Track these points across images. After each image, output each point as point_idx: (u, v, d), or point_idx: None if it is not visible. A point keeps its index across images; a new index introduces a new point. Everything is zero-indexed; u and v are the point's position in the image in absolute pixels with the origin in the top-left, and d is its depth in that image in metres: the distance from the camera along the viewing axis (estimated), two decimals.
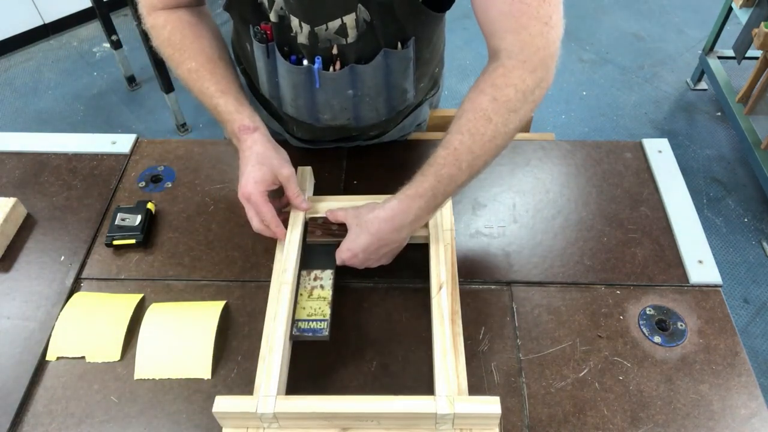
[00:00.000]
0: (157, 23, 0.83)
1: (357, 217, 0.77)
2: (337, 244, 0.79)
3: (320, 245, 0.82)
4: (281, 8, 0.77)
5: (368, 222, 0.75)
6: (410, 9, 0.77)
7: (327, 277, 0.79)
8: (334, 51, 0.80)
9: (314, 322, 0.75)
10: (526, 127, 1.21)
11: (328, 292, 0.77)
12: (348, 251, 0.76)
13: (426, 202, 0.73)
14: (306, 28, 0.77)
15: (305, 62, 0.82)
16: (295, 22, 0.77)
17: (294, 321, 0.75)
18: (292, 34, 0.79)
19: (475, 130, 0.70)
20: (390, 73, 0.85)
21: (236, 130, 0.79)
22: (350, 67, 0.82)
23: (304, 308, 0.76)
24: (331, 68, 0.82)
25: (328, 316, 0.75)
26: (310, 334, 0.74)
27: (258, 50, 0.84)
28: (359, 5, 0.75)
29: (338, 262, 0.78)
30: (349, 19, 0.76)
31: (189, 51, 0.82)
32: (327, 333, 0.73)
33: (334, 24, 0.76)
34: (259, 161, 0.77)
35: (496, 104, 0.70)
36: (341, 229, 0.80)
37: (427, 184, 0.72)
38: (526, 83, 0.70)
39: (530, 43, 0.69)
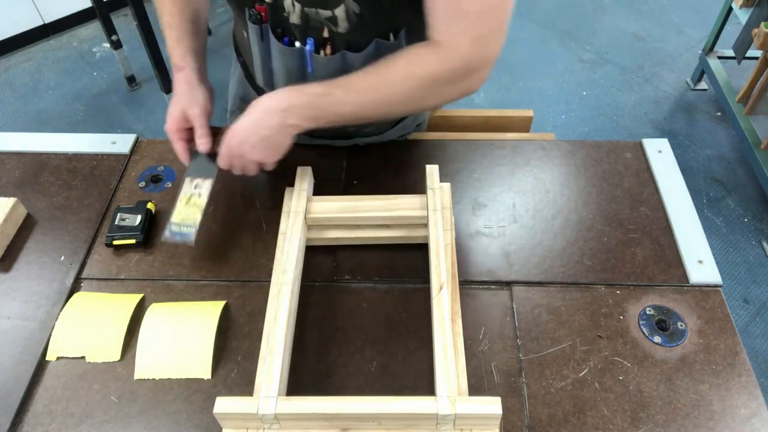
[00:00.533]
0: None
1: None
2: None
3: (208, 155, 0.89)
4: None
5: (250, 107, 0.79)
6: (400, 0, 0.78)
7: (206, 186, 0.87)
8: (325, 34, 0.81)
9: (185, 227, 0.84)
10: (526, 127, 1.21)
11: (203, 201, 0.86)
12: (229, 131, 0.80)
13: (305, 102, 0.77)
14: (298, 7, 0.78)
15: (297, 44, 0.83)
16: (288, 1, 0.79)
17: (169, 222, 0.84)
18: (284, 14, 0.80)
19: (378, 82, 0.77)
20: None
21: (174, 68, 0.87)
22: (342, 54, 0.82)
23: (179, 213, 0.85)
24: (323, 52, 0.83)
25: (197, 224, 0.84)
26: (179, 238, 0.83)
27: (253, 32, 0.85)
28: None
29: (222, 147, 0.81)
30: (340, 11, 0.77)
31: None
32: (193, 239, 0.83)
33: (325, 13, 0.78)
34: (175, 100, 0.86)
35: (402, 73, 0.76)
36: None
37: (315, 90, 0.77)
38: (438, 75, 0.75)
39: (456, 48, 0.74)
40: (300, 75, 0.86)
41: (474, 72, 0.76)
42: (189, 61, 0.88)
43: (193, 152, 0.90)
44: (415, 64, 0.76)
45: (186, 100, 0.85)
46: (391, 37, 0.82)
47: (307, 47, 0.82)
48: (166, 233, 0.83)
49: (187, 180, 0.89)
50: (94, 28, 2.97)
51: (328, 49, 0.82)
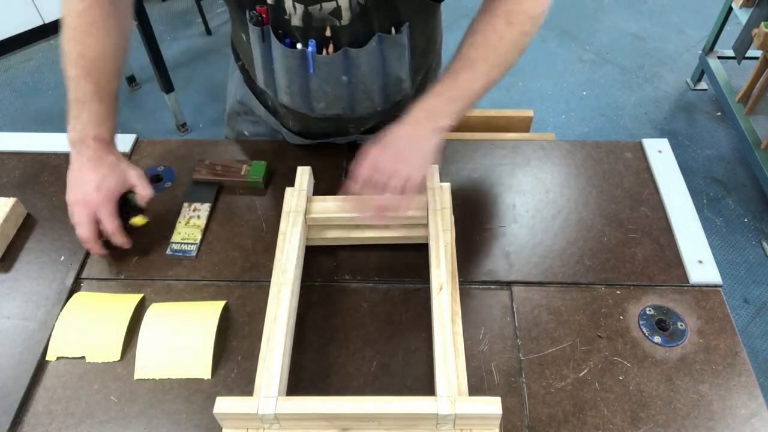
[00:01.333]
0: None
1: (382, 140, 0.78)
2: (219, 183, 0.95)
3: (204, 182, 0.96)
4: None
5: (389, 133, 0.77)
6: None
7: (204, 209, 0.93)
8: (327, 33, 0.81)
9: (186, 245, 0.88)
10: (526, 127, 1.21)
11: (202, 222, 0.91)
12: (371, 150, 0.76)
13: (442, 101, 0.77)
14: (300, 8, 0.78)
15: (299, 46, 0.83)
16: (288, 3, 0.78)
17: (169, 243, 0.88)
18: (286, 17, 0.80)
19: (490, 45, 0.78)
20: (385, 59, 0.86)
21: (92, 137, 0.81)
22: (344, 51, 0.82)
23: (179, 233, 0.90)
24: (324, 51, 0.83)
25: (197, 241, 0.89)
26: (180, 254, 0.87)
27: (254, 34, 0.84)
28: None
29: (362, 167, 0.75)
30: (344, 2, 0.77)
31: (86, 42, 0.81)
32: (194, 254, 0.87)
33: (329, 5, 0.77)
34: (112, 168, 0.82)
35: (510, 26, 0.77)
36: (224, 170, 0.94)
37: (443, 87, 0.77)
38: (535, 10, 0.78)
39: None
40: (301, 75, 0.86)
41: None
42: (105, 136, 0.83)
43: (194, 180, 0.96)
44: (512, 21, 0.77)
45: (123, 165, 0.84)
46: (393, 31, 0.82)
47: (309, 49, 0.82)
48: (168, 252, 0.88)
49: (185, 205, 0.94)
50: None
51: (330, 48, 0.82)
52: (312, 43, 0.82)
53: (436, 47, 1.00)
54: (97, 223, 0.82)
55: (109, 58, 0.83)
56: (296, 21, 0.80)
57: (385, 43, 0.83)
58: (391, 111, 0.97)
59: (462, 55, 0.78)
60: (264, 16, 0.81)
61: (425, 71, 1.00)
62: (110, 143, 0.84)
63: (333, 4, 0.77)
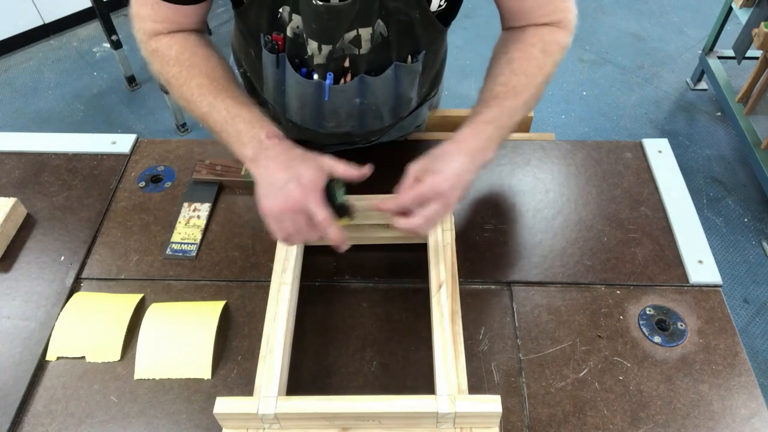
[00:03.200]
0: (161, 45, 0.77)
1: (430, 164, 0.71)
2: (219, 183, 0.95)
3: (204, 182, 0.96)
4: (298, 27, 0.77)
5: (443, 153, 0.71)
6: (427, 25, 0.78)
7: (204, 209, 0.93)
8: (346, 64, 0.80)
9: (186, 245, 0.88)
10: (526, 127, 1.21)
11: (202, 222, 0.91)
12: (436, 175, 0.69)
13: (493, 130, 0.74)
14: (326, 49, 0.78)
15: (315, 76, 0.82)
16: (313, 45, 0.78)
17: (169, 243, 0.88)
18: (306, 56, 0.80)
19: (530, 73, 0.77)
20: (399, 85, 0.86)
21: (263, 137, 0.71)
22: (360, 78, 0.82)
23: (179, 233, 0.90)
24: (342, 81, 0.82)
25: (197, 241, 0.89)
26: (180, 254, 0.87)
27: (267, 59, 0.84)
28: (378, 20, 0.75)
29: (423, 187, 0.69)
30: (365, 32, 0.76)
31: (199, 68, 0.76)
32: (194, 254, 0.87)
33: (350, 35, 0.77)
34: (303, 160, 0.70)
35: (545, 55, 0.78)
36: (224, 170, 0.92)
37: (489, 115, 0.74)
38: (566, 42, 0.80)
39: (566, 17, 0.79)
40: (315, 101, 0.86)
41: (575, 22, 0.81)
42: (276, 131, 0.74)
43: (194, 180, 0.95)
44: (547, 51, 0.78)
45: (313, 157, 0.71)
46: (410, 59, 0.83)
47: (327, 81, 0.82)
48: (168, 252, 0.87)
49: (185, 205, 0.93)
50: (94, 28, 2.97)
51: (348, 77, 0.82)
52: (330, 75, 0.81)
53: (442, 60, 1.01)
54: (308, 229, 0.69)
55: (226, 77, 0.78)
56: (319, 60, 0.79)
57: (400, 71, 0.83)
58: (395, 123, 0.98)
59: (505, 81, 0.75)
60: (280, 43, 0.80)
61: (430, 84, 1.01)
62: (285, 138, 0.73)
63: (353, 33, 0.77)
